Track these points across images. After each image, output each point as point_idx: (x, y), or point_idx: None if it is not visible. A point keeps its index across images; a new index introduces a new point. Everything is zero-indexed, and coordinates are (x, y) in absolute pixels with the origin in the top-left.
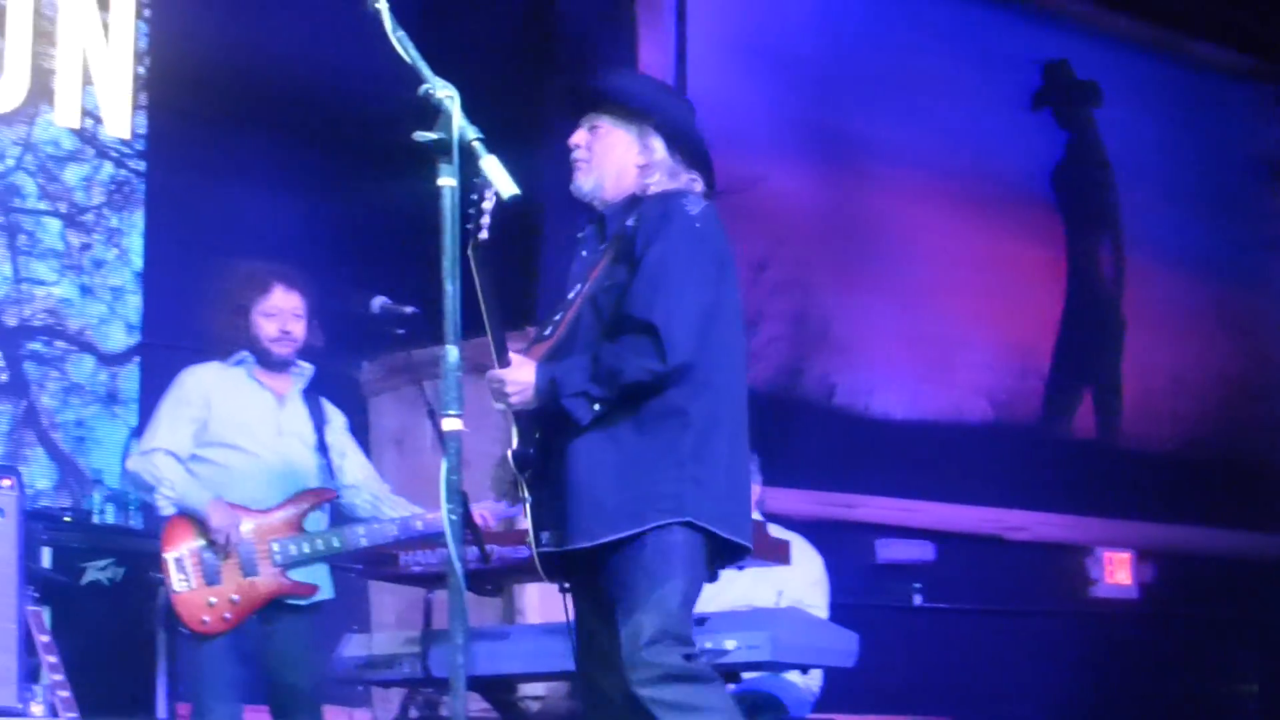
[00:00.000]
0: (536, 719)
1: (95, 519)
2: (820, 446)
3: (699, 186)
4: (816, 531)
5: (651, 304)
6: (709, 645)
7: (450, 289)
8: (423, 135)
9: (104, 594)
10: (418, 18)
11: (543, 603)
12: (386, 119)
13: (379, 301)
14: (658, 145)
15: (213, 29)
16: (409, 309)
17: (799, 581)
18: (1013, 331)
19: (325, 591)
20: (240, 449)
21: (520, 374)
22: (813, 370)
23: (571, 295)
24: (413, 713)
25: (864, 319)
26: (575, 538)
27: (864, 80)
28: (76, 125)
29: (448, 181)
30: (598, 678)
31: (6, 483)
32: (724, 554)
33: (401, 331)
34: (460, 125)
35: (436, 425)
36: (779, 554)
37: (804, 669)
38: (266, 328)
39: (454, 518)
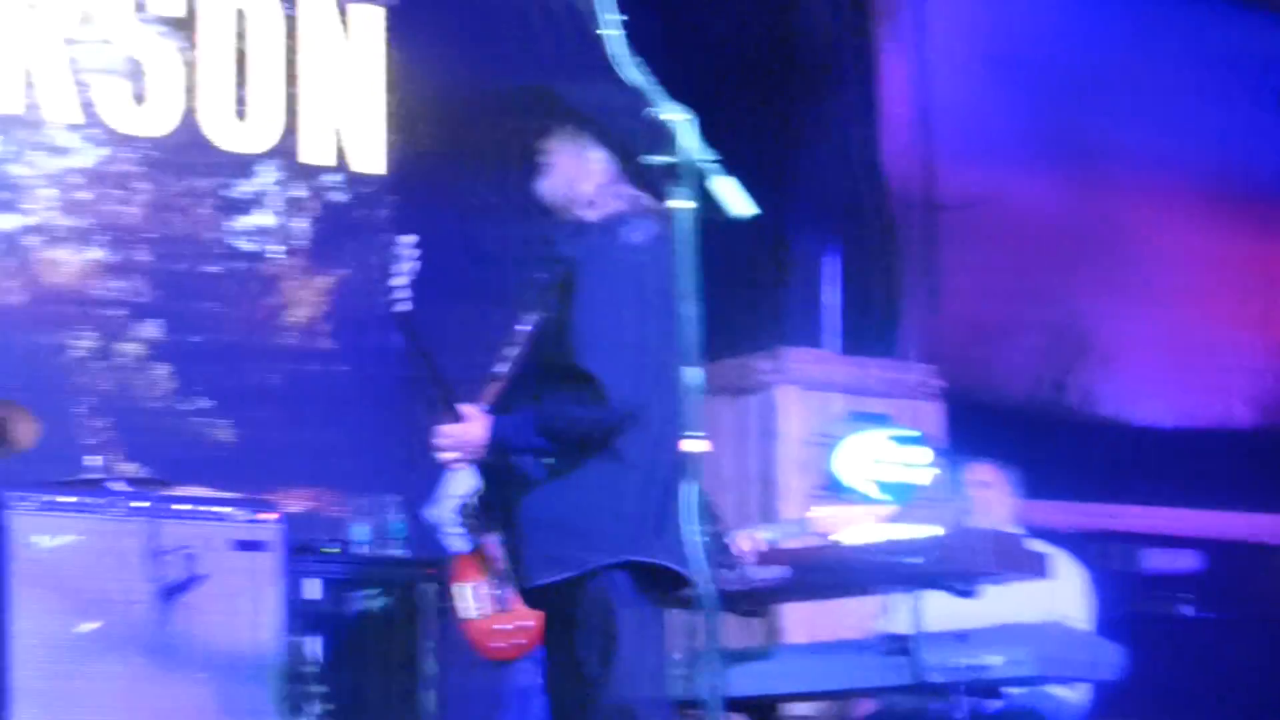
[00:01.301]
0: None
1: (360, 550)
2: (1082, 457)
3: (646, 201)
4: (1079, 544)
5: (593, 351)
6: (973, 662)
7: (688, 311)
8: (656, 159)
9: (373, 623)
10: (655, 44)
11: (805, 622)
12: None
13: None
14: (595, 157)
15: (456, 62)
16: None
17: (1061, 595)
18: (1276, 333)
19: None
20: None
21: (471, 430)
22: (1072, 380)
23: (520, 331)
24: None
25: (1122, 326)
26: (531, 577)
27: (1105, 85)
28: (332, 163)
29: (682, 204)
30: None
31: (271, 516)
32: (671, 584)
33: None
34: (692, 148)
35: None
36: (1040, 568)
37: (1070, 683)
38: None
39: (704, 538)
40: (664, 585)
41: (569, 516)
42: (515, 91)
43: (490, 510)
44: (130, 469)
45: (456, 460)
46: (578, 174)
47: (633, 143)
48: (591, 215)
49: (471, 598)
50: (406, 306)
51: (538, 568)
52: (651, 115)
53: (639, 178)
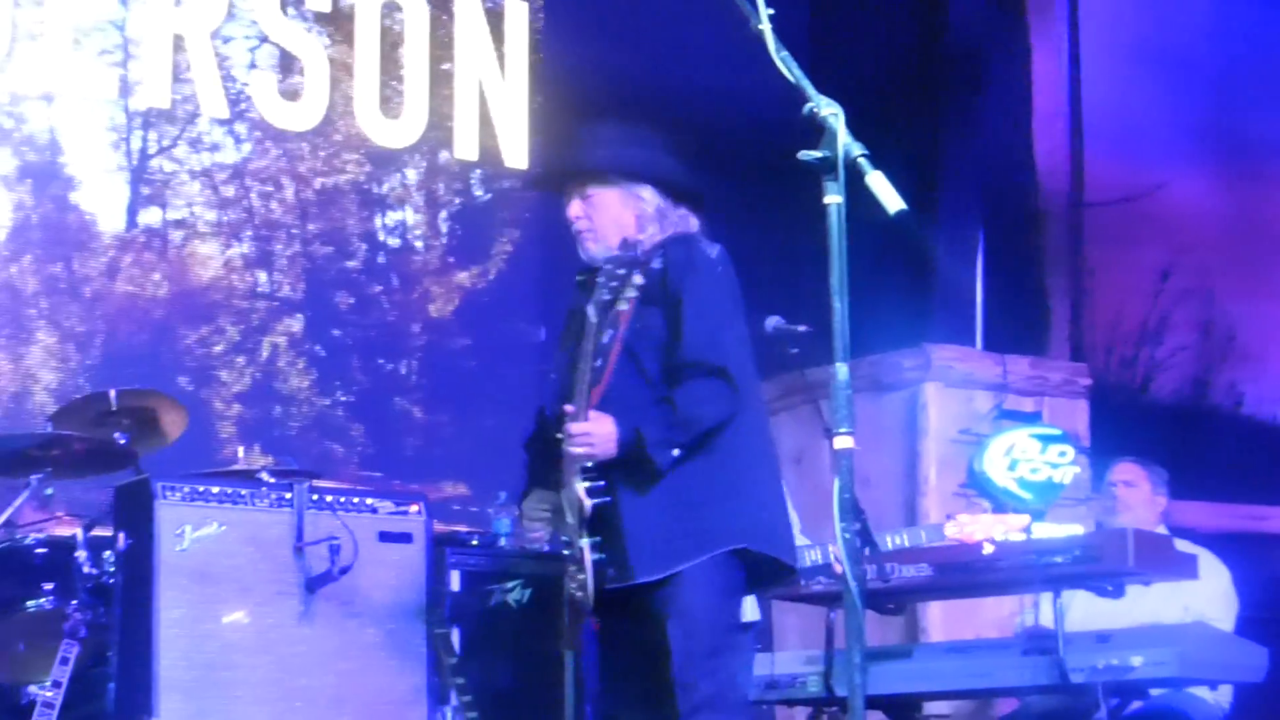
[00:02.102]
0: None
1: (502, 542)
2: (1228, 457)
3: (693, 221)
4: (1225, 544)
5: (714, 346)
6: (1114, 662)
7: (839, 306)
8: (807, 154)
9: (513, 616)
10: (805, 40)
11: (945, 621)
12: (772, 140)
13: (772, 322)
14: (646, 194)
15: (601, 58)
16: (802, 328)
17: (1205, 596)
18: None
19: (750, 613)
20: None
21: (602, 427)
22: (1220, 379)
23: (606, 340)
24: None
25: (1272, 325)
26: (638, 573)
27: (1261, 80)
28: (475, 158)
29: (834, 199)
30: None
31: (414, 508)
32: (775, 577)
33: (795, 350)
34: (845, 143)
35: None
36: (1185, 569)
37: (1212, 685)
38: None
39: (849, 536)
40: (765, 578)
41: (682, 510)
42: (543, 175)
43: (602, 510)
44: (273, 461)
45: (588, 456)
46: (622, 216)
47: (660, 166)
48: (652, 236)
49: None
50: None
51: (651, 563)
52: (807, 110)
53: (675, 194)
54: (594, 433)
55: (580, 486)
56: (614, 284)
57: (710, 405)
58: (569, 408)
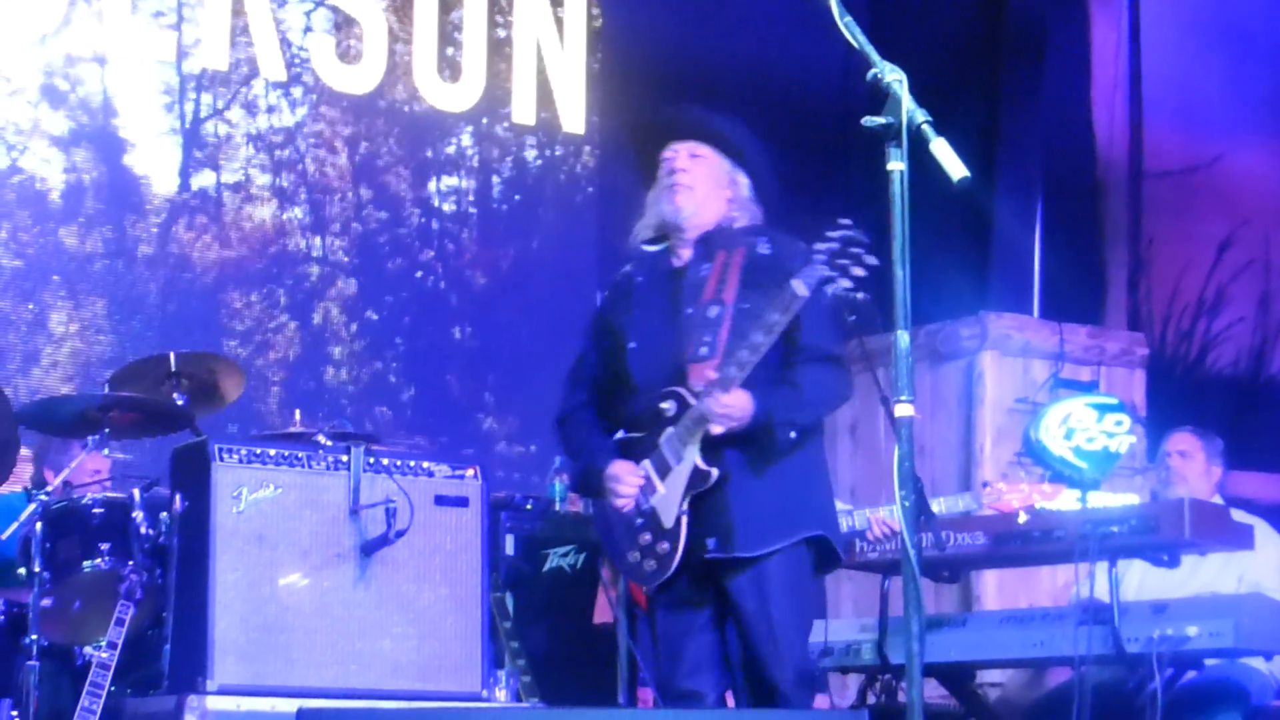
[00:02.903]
0: (995, 706)
1: (557, 507)
2: None
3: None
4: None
5: (830, 334)
6: (1170, 632)
7: (900, 274)
8: (871, 120)
9: (566, 580)
10: (867, 7)
11: (1000, 590)
12: (834, 106)
13: (831, 289)
14: (742, 179)
15: (661, 22)
16: (860, 295)
17: (1261, 566)
18: None
19: None
20: None
21: (742, 400)
22: (1277, 351)
23: (713, 316)
24: (870, 699)
25: None
26: (740, 547)
27: None
28: (532, 123)
29: (897, 166)
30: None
31: (470, 472)
32: (828, 565)
33: (853, 318)
34: (909, 109)
35: (890, 412)
36: (1242, 539)
37: (1268, 655)
38: None
39: (908, 504)
40: (822, 565)
41: (788, 491)
42: (658, 120)
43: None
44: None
45: (726, 428)
46: (719, 189)
47: (765, 168)
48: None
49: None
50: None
51: (756, 538)
52: (870, 76)
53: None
54: (737, 405)
55: (698, 457)
56: (706, 263)
57: (830, 391)
58: (711, 374)
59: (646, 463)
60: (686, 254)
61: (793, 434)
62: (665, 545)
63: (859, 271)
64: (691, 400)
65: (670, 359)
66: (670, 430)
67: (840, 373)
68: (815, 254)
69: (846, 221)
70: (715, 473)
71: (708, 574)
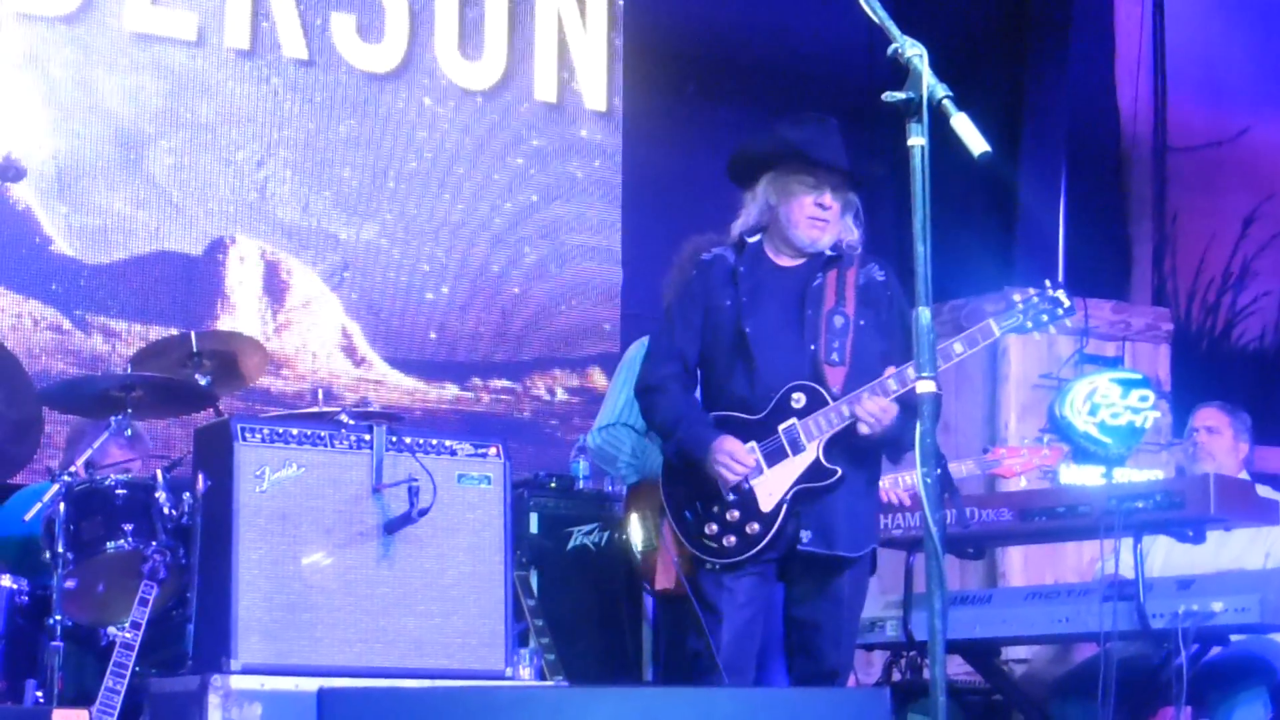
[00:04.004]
0: (1020, 683)
1: (580, 485)
2: None
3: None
4: None
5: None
6: (1195, 608)
7: (921, 250)
8: (892, 95)
9: (589, 558)
10: None
11: (1026, 566)
12: (859, 81)
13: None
14: (853, 199)
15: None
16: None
17: None
18: None
19: None
20: None
21: (893, 412)
22: None
23: (839, 326)
24: (895, 676)
25: None
26: (840, 546)
27: None
28: (554, 100)
29: (917, 141)
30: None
31: (493, 451)
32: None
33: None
34: (930, 84)
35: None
36: (1268, 514)
37: None
38: None
39: (929, 480)
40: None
41: (874, 500)
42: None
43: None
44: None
45: (871, 431)
46: (846, 226)
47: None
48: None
49: (639, 528)
50: None
51: (855, 540)
52: (891, 51)
53: None
54: (889, 415)
55: (821, 453)
56: (819, 273)
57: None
58: (890, 381)
59: (754, 444)
60: (790, 257)
61: (904, 454)
62: (756, 526)
63: (1050, 329)
64: (829, 399)
65: (797, 355)
66: (795, 421)
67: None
68: (1013, 303)
69: (1052, 282)
70: (840, 472)
71: (785, 563)
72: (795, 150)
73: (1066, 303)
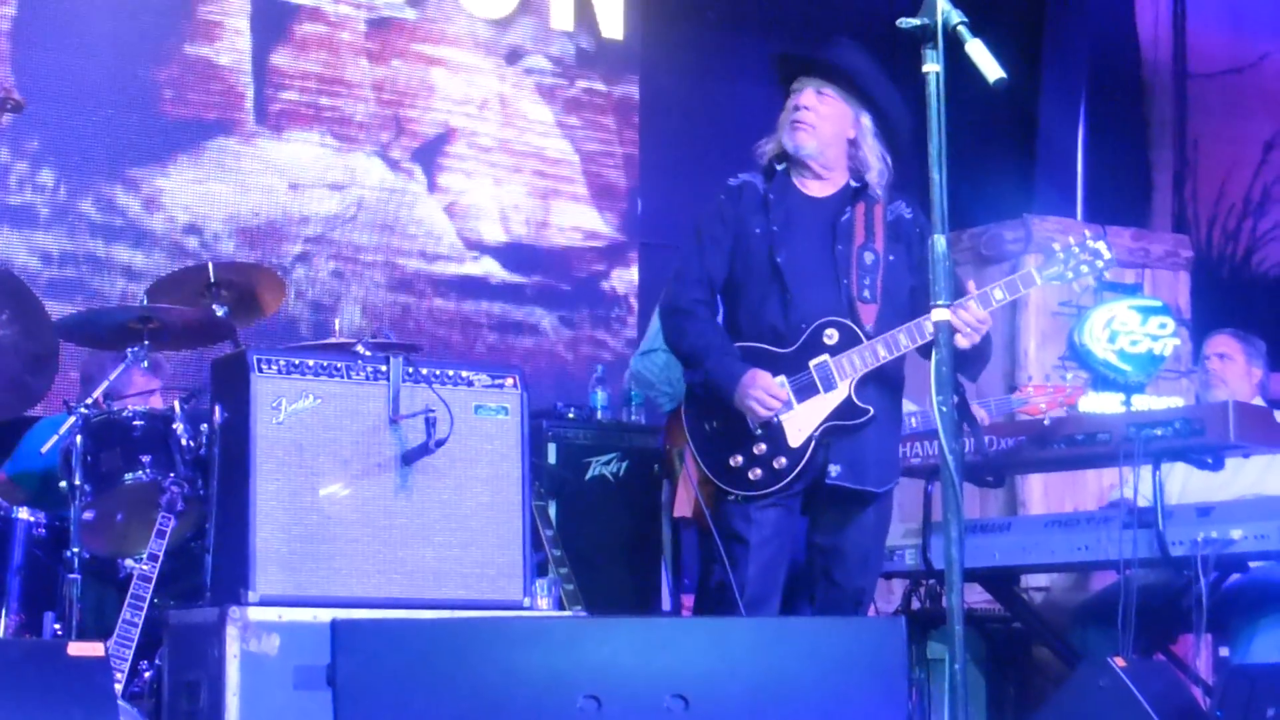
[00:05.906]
0: (1040, 610)
1: (599, 415)
2: None
3: (887, 174)
4: None
5: None
6: (1214, 535)
7: (937, 178)
8: (907, 21)
9: (608, 488)
10: None
11: (1045, 494)
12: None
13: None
14: (867, 124)
15: None
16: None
17: None
18: None
19: None
20: None
21: (989, 321)
22: None
23: (869, 262)
24: (914, 604)
25: None
26: (869, 480)
27: None
28: (570, 28)
29: (932, 68)
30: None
31: (510, 381)
32: None
33: None
34: (944, 10)
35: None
36: None
37: None
38: None
39: (945, 409)
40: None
41: (897, 437)
42: (786, 57)
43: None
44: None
45: (971, 343)
46: (841, 131)
47: (892, 113)
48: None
49: (677, 460)
50: None
51: (883, 475)
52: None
53: (886, 143)
54: (988, 323)
55: (853, 392)
56: (848, 206)
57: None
58: (972, 289)
59: (784, 379)
60: (818, 188)
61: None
62: (783, 460)
63: (1089, 280)
64: (863, 336)
65: (832, 290)
66: (828, 358)
67: None
68: (1053, 251)
69: (1097, 236)
70: (872, 411)
71: (811, 495)
72: (782, 55)
73: (1108, 254)
